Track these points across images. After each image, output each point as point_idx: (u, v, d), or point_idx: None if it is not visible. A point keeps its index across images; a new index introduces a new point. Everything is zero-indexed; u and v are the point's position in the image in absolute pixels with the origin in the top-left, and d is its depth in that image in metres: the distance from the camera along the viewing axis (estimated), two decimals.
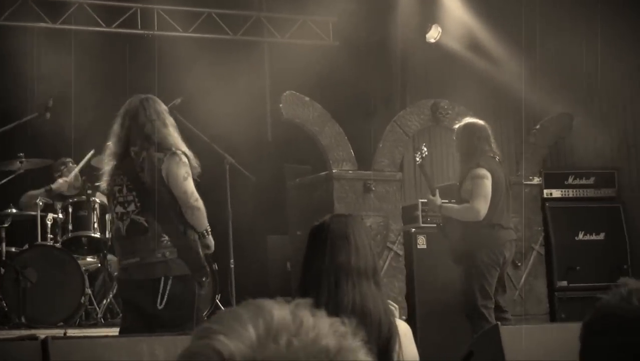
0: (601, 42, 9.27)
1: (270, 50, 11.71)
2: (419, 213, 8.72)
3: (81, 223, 8.40)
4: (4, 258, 8.10)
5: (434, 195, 7.53)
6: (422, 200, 8.98)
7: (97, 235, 8.42)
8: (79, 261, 8.21)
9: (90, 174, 8.96)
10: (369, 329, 3.22)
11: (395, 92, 11.19)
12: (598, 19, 9.11)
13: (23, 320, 7.60)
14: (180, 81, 9.28)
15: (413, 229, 8.64)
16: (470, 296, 7.14)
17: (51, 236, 8.34)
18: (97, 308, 8.22)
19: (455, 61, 10.31)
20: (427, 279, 8.48)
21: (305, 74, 9.96)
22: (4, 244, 8.19)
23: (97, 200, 8.45)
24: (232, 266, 7.77)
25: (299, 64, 10.49)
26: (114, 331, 7.30)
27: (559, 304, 8.75)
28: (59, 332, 6.89)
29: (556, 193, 9.08)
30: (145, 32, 10.71)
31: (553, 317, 8.75)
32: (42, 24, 10.25)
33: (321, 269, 3.35)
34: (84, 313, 8.22)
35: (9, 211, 8.27)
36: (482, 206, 7.11)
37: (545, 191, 9.07)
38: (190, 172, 5.52)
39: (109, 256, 8.54)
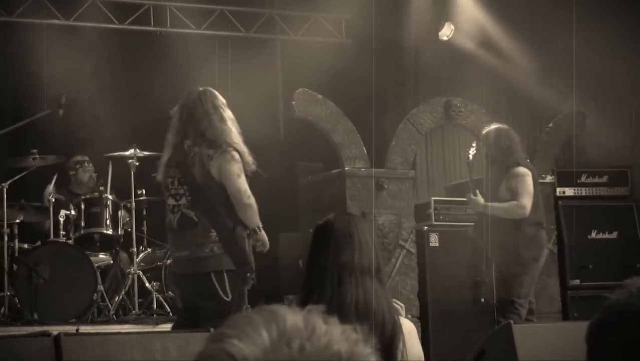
0: (614, 40, 9.24)
1: (283, 47, 11.71)
2: (432, 210, 8.71)
3: (94, 219, 8.42)
4: (16, 255, 8.12)
5: (475, 195, 7.51)
6: (435, 198, 8.98)
7: (110, 232, 8.44)
8: (92, 258, 8.23)
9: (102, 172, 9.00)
10: (372, 327, 3.23)
11: (408, 90, 11.18)
12: (611, 17, 9.09)
13: (35, 316, 7.62)
14: (192, 78, 9.27)
15: (425, 227, 8.63)
16: (509, 291, 7.22)
17: (64, 232, 8.36)
18: (110, 305, 8.24)
19: (467, 59, 10.29)
20: (440, 278, 8.48)
21: (317, 72, 9.96)
22: (16, 241, 8.22)
23: (110, 197, 8.47)
24: None
25: (312, 62, 10.49)
26: (126, 327, 7.35)
27: (572, 302, 8.73)
28: (71, 329, 6.91)
29: (569, 192, 9.05)
30: (158, 29, 10.73)
31: (565, 316, 8.73)
32: (55, 21, 10.28)
33: (325, 267, 3.36)
34: (96, 310, 8.24)
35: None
36: (528, 203, 7.25)
37: (558, 189, 9.05)
38: (242, 169, 5.56)
39: (121, 253, 8.57)
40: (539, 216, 7.44)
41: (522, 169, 7.36)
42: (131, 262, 8.46)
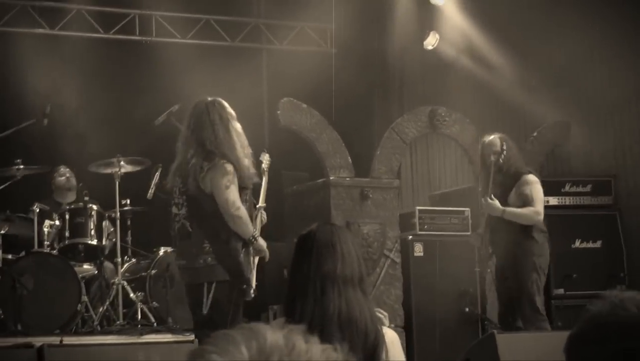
0: (598, 49, 9.29)
1: (269, 56, 11.72)
2: (416, 220, 8.72)
3: (78, 230, 8.38)
4: (0, 265, 8.08)
5: (492, 199, 7.49)
6: (420, 207, 8.99)
7: (94, 242, 8.41)
8: (76, 268, 8.19)
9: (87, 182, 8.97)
10: (355, 337, 3.24)
11: (393, 99, 11.20)
12: (594, 27, 9.13)
13: (19, 327, 7.56)
14: (178, 87, 9.28)
15: (410, 237, 8.64)
16: (531, 300, 7.28)
17: (48, 243, 8.32)
18: (94, 316, 8.19)
19: (452, 68, 10.33)
20: (424, 287, 8.49)
21: (303, 81, 9.97)
22: (0, 251, 8.17)
23: (94, 207, 8.44)
24: None
25: (297, 71, 10.51)
26: (110, 338, 7.32)
27: (556, 312, 8.74)
28: (55, 340, 6.86)
29: (553, 201, 9.06)
30: (144, 38, 10.73)
31: (550, 325, 8.74)
32: (40, 30, 10.26)
33: (307, 277, 3.36)
34: (80, 321, 8.19)
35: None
36: (542, 210, 7.38)
37: None
38: (233, 181, 5.56)
39: (106, 263, 8.53)
40: (544, 224, 7.49)
41: (533, 177, 7.46)
42: (116, 272, 8.43)
